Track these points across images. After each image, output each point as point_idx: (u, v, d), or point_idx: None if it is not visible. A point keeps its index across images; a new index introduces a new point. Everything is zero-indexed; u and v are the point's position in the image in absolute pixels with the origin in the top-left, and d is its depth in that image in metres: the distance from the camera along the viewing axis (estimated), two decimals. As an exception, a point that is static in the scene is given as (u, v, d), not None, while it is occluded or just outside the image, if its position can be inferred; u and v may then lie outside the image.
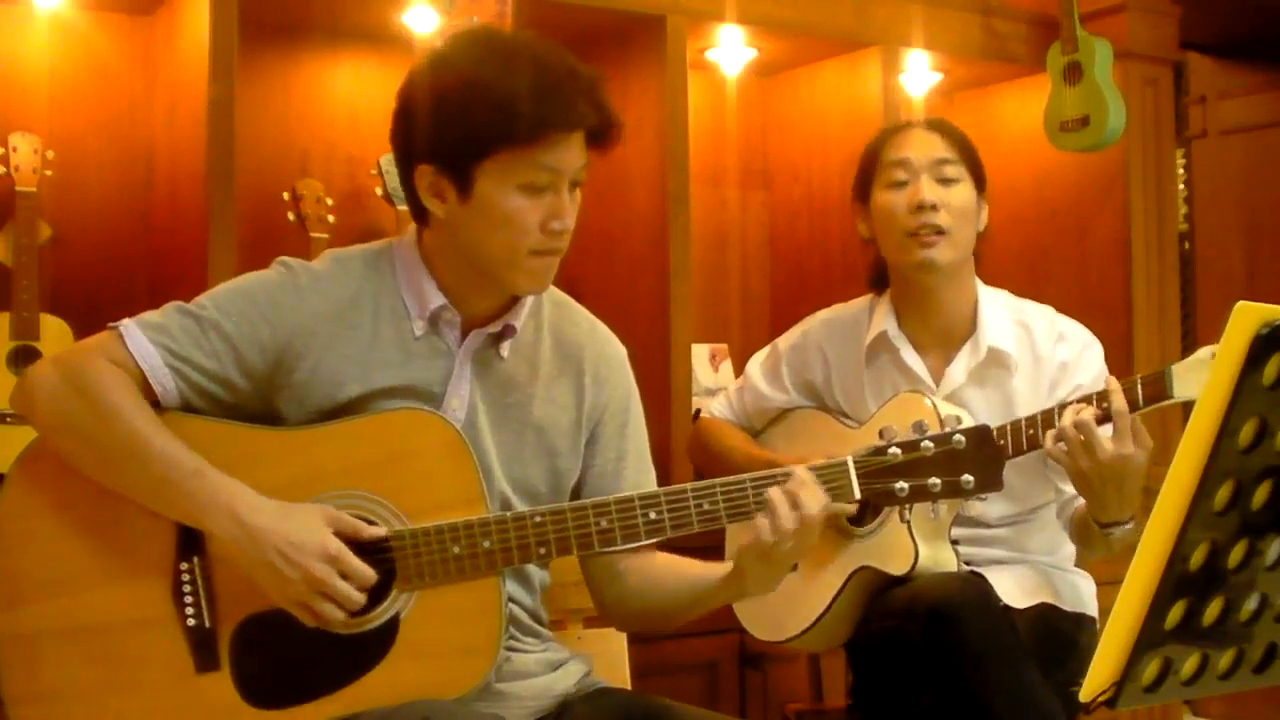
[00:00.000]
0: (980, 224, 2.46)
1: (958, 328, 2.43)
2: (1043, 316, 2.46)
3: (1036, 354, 2.40)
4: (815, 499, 1.67)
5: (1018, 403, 2.38)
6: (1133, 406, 2.13)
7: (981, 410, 2.37)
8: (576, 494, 1.86)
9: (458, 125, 1.67)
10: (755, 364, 2.62)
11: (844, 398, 2.49)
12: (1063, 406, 2.19)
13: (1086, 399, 2.17)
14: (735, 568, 1.74)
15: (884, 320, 2.45)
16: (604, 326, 1.95)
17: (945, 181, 2.39)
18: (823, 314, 2.59)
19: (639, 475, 1.90)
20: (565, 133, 1.68)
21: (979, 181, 2.45)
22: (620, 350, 1.94)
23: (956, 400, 2.38)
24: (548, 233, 1.70)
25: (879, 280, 2.52)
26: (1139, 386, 2.14)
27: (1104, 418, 2.13)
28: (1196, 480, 1.11)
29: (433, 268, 1.78)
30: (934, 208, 2.36)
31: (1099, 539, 2.26)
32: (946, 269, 2.39)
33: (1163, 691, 1.18)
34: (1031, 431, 2.23)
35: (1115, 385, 2.14)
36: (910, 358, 2.42)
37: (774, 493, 1.67)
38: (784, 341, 2.59)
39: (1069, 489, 2.32)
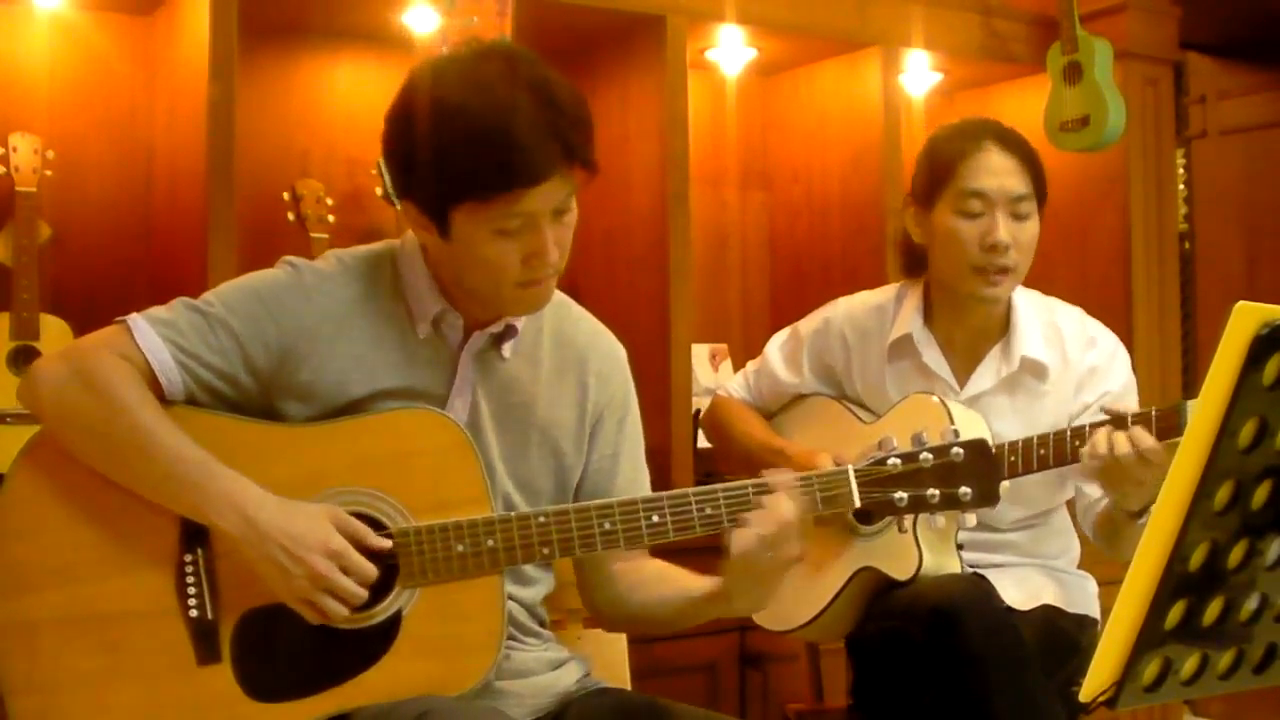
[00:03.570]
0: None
1: (990, 329, 2.41)
2: (1073, 318, 2.44)
3: (1066, 357, 2.38)
4: (788, 507, 1.67)
5: (1045, 408, 2.37)
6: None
7: (1007, 416, 2.35)
8: (575, 493, 1.87)
9: (429, 173, 1.65)
10: (774, 346, 2.59)
11: (864, 388, 2.47)
12: (1080, 430, 2.17)
13: (1111, 421, 2.13)
14: (722, 584, 1.73)
15: (910, 320, 2.41)
16: (604, 327, 1.95)
17: (1018, 217, 2.33)
18: (846, 301, 2.54)
19: (633, 474, 1.91)
20: (528, 187, 1.63)
21: (1043, 203, 2.39)
22: (621, 351, 1.95)
23: (982, 405, 2.36)
24: (530, 267, 1.69)
25: (911, 267, 2.47)
26: (1153, 420, 2.13)
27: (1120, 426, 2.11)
28: (1196, 480, 1.11)
29: (435, 271, 1.78)
30: (1007, 248, 2.31)
31: (1135, 530, 2.22)
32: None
33: (1163, 691, 1.18)
34: (1044, 452, 2.22)
35: (1142, 434, 2.09)
36: (934, 362, 2.39)
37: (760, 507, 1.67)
38: (805, 326, 2.55)
39: (1092, 492, 2.32)
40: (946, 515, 1.80)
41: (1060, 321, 2.42)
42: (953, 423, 2.20)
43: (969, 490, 1.75)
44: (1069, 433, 2.20)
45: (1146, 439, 2.08)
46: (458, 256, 1.70)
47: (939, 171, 2.38)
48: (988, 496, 1.76)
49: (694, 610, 1.80)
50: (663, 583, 1.85)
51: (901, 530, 1.80)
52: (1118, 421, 2.13)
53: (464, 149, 1.62)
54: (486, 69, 1.66)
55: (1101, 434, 2.12)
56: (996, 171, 2.34)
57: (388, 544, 1.66)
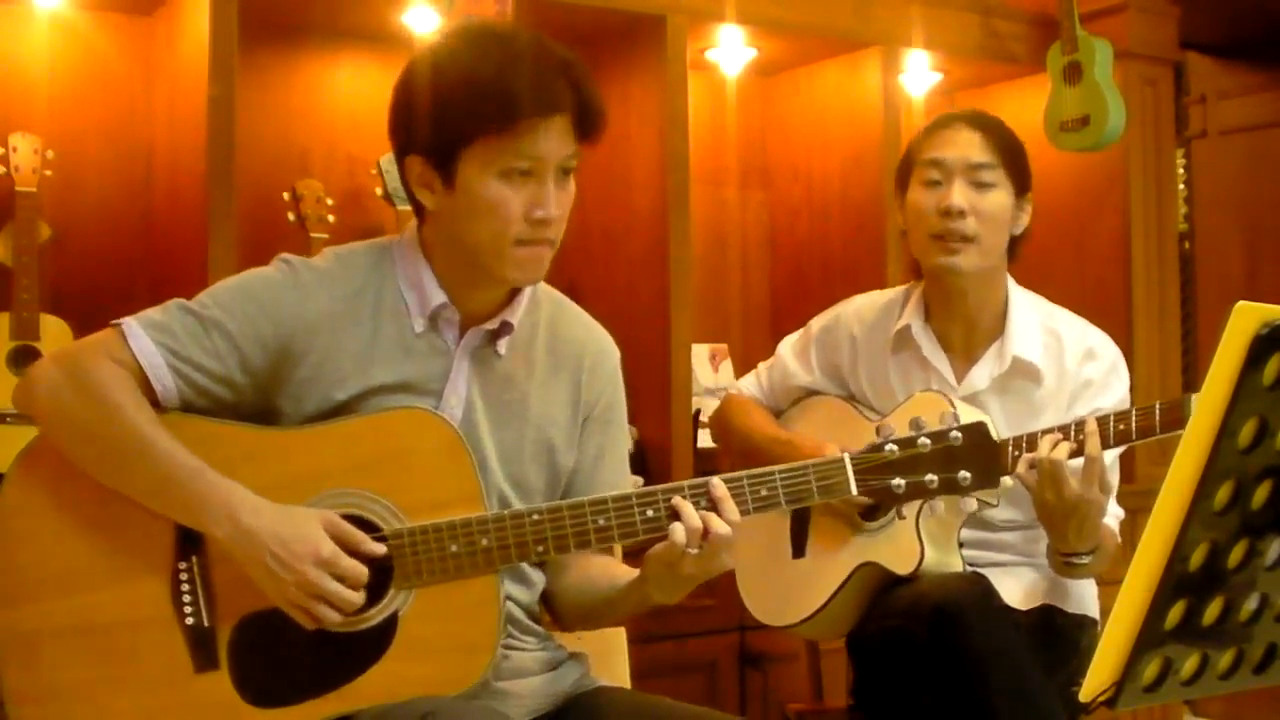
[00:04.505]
0: (1019, 227, 2.40)
1: (985, 328, 2.41)
2: (1074, 327, 2.43)
3: (1062, 366, 2.38)
4: (719, 523, 1.65)
5: (1040, 413, 2.36)
6: (1149, 433, 2.15)
7: (1000, 419, 2.35)
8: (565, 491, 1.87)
9: (437, 115, 1.69)
10: (787, 343, 2.61)
11: (869, 385, 2.48)
12: (1045, 433, 2.19)
13: (1065, 430, 2.18)
14: (642, 572, 1.73)
15: (912, 313, 2.43)
16: (600, 327, 1.95)
17: (980, 186, 2.34)
18: (859, 299, 2.57)
19: (615, 475, 1.90)
20: (541, 118, 1.67)
21: (1020, 184, 2.39)
22: (616, 352, 1.95)
23: (977, 405, 2.34)
24: (532, 222, 1.70)
25: (915, 267, 2.49)
26: (1156, 413, 2.14)
27: (1077, 452, 2.14)
28: (1196, 480, 1.11)
29: (433, 262, 1.78)
30: (962, 214, 2.32)
31: (1060, 567, 2.27)
32: (971, 275, 2.35)
33: (1163, 691, 1.18)
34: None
35: (1094, 428, 2.14)
36: (933, 355, 2.40)
37: (685, 506, 1.65)
38: (817, 323, 2.57)
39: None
40: (947, 501, 1.76)
41: (1060, 329, 2.41)
42: (953, 408, 2.20)
43: (968, 474, 1.70)
44: (1073, 427, 2.19)
45: (1072, 484, 2.11)
46: (460, 211, 1.71)
47: (909, 153, 2.45)
48: (988, 479, 1.71)
49: (619, 599, 1.79)
50: (599, 573, 1.85)
51: (901, 517, 1.77)
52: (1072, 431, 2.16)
53: (475, 86, 1.66)
54: (487, 31, 1.74)
55: (1045, 442, 2.15)
56: (956, 142, 2.38)
57: (381, 549, 1.65)
